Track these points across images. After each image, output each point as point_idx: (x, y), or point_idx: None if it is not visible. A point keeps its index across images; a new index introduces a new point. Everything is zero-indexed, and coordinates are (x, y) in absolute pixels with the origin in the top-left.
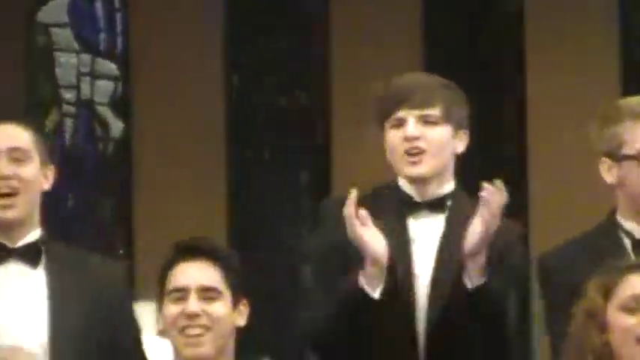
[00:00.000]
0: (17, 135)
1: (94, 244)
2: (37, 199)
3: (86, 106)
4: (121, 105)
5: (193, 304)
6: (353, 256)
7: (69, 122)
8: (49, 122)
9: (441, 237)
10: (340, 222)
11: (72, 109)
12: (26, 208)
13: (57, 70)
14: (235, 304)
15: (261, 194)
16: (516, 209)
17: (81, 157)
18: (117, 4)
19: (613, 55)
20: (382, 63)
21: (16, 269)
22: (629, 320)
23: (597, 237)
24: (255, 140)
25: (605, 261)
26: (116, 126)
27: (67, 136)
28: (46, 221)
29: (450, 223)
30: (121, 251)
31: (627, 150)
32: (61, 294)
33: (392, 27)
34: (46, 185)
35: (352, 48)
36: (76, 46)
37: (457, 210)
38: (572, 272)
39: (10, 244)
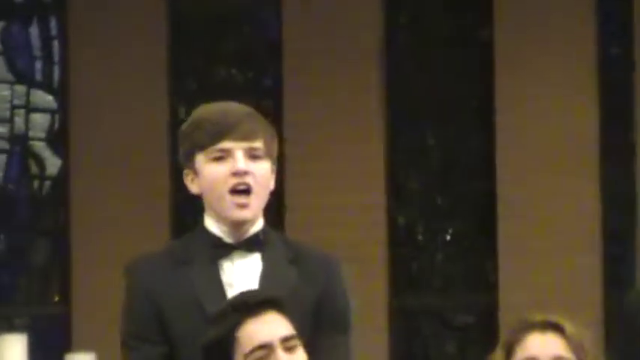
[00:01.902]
0: None
1: (27, 290)
2: None
3: (20, 141)
4: (59, 140)
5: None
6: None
7: (1, 159)
8: None
9: (261, 277)
10: (135, 292)
11: (4, 145)
12: None
13: None
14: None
15: None
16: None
17: (14, 196)
18: (53, 30)
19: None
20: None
21: None
22: None
23: None
24: None
25: None
26: (52, 163)
27: None
28: None
29: (266, 261)
30: (56, 298)
31: None
32: None
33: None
34: None
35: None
36: (9, 76)
37: (270, 246)
38: None
39: None
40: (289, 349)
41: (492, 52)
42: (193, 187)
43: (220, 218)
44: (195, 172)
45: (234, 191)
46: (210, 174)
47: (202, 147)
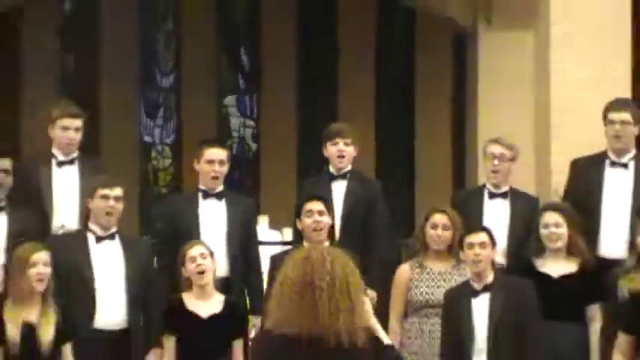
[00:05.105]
0: (223, 155)
1: (240, 190)
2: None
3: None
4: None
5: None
6: None
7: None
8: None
9: (345, 191)
10: None
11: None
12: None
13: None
14: None
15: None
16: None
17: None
18: (251, 52)
19: None
20: None
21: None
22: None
23: None
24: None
25: None
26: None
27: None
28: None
29: (348, 183)
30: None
31: None
32: (232, 215)
33: None
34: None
35: None
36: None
37: (353, 177)
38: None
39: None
40: (321, 214)
41: None
42: (325, 153)
43: (333, 165)
44: (327, 148)
45: (338, 156)
46: (330, 150)
47: (327, 139)
